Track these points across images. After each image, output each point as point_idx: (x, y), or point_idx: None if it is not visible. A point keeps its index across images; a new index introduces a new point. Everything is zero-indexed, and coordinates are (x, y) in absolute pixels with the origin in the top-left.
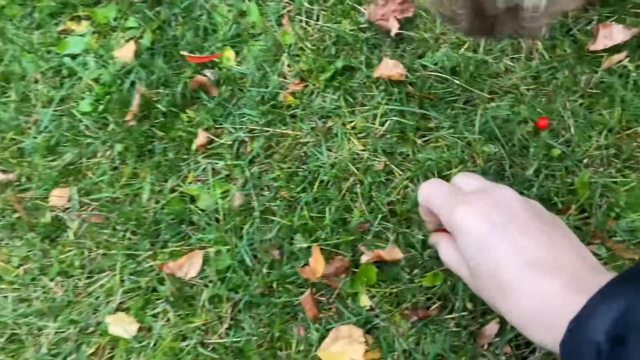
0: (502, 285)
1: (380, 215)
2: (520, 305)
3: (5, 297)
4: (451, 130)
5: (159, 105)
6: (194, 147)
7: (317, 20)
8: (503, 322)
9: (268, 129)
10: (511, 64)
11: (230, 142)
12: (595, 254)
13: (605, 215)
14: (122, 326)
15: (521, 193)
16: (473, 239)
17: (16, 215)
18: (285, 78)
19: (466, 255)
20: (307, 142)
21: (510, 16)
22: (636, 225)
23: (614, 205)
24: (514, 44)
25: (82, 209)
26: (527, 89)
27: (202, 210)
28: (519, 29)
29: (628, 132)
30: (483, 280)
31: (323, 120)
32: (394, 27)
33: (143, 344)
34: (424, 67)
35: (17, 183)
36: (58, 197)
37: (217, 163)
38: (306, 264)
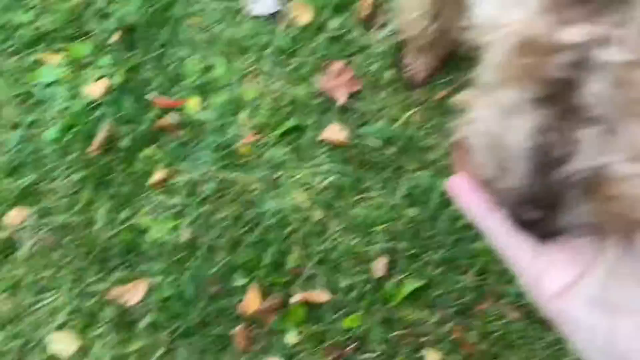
0: None
1: (313, 261)
2: None
3: None
4: (381, 193)
5: (122, 141)
6: (150, 182)
7: (278, 81)
8: None
9: (222, 173)
10: (437, 141)
11: (184, 182)
12: (485, 314)
13: (500, 278)
14: (63, 344)
15: (435, 254)
16: None
17: None
18: (242, 129)
19: None
20: (256, 189)
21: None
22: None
23: (508, 270)
24: (440, 121)
25: (37, 229)
26: (447, 165)
27: (152, 242)
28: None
29: None
30: None
31: (272, 170)
32: (342, 98)
33: None
34: (365, 135)
35: None
36: (15, 216)
37: (170, 199)
38: (242, 300)
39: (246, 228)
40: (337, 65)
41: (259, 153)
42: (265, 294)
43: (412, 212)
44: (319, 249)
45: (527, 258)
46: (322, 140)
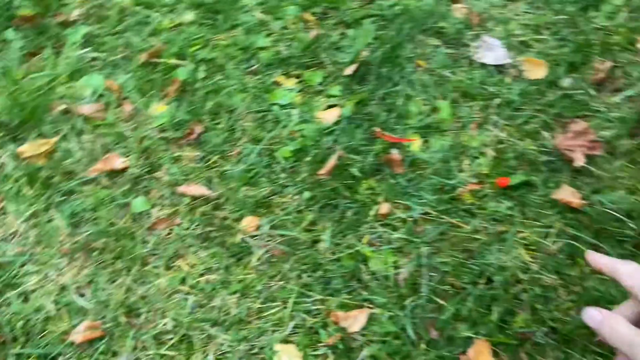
0: None
1: (543, 329)
2: None
3: (186, 299)
4: None
5: (350, 169)
6: (372, 213)
7: (503, 133)
8: None
9: (443, 216)
10: None
11: (405, 219)
12: None
13: None
14: (286, 358)
15: None
16: None
17: (209, 228)
18: (464, 175)
19: None
20: (478, 239)
21: None
22: None
23: None
24: None
25: (269, 239)
26: None
27: (372, 273)
28: None
29: None
30: None
31: (495, 223)
32: (580, 160)
33: None
34: (601, 202)
35: (216, 201)
36: (250, 223)
37: (391, 234)
38: (465, 352)
39: (469, 278)
40: (579, 125)
41: (481, 203)
42: (493, 352)
43: None
44: (549, 316)
45: None
46: (553, 201)
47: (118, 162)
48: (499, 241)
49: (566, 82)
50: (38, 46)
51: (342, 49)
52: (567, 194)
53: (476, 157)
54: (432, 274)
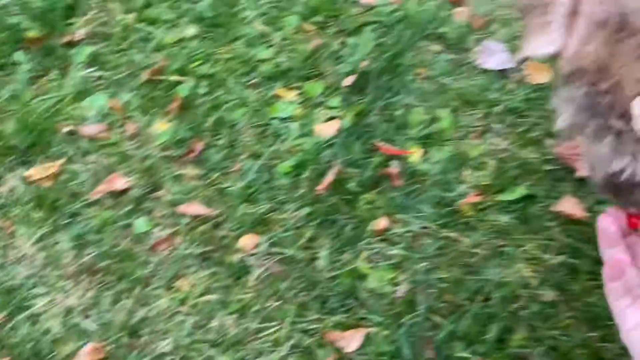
0: None
1: (541, 347)
2: None
3: (184, 321)
4: None
5: (348, 184)
6: (370, 228)
7: (505, 141)
8: None
9: (442, 230)
10: None
11: (404, 233)
12: None
13: None
14: None
15: None
16: None
17: (209, 248)
18: (465, 187)
19: None
20: (477, 254)
21: None
22: None
23: None
24: None
25: (267, 258)
26: None
27: (370, 290)
28: None
29: None
30: None
31: (495, 236)
32: (582, 169)
33: None
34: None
35: (215, 220)
36: (248, 241)
37: (390, 249)
38: None
39: (467, 295)
40: None
41: (481, 216)
42: None
43: None
44: (548, 334)
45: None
46: (555, 213)
47: (121, 183)
48: (498, 255)
49: None
50: (45, 68)
51: (342, 58)
52: (569, 205)
53: (477, 168)
54: (430, 290)
